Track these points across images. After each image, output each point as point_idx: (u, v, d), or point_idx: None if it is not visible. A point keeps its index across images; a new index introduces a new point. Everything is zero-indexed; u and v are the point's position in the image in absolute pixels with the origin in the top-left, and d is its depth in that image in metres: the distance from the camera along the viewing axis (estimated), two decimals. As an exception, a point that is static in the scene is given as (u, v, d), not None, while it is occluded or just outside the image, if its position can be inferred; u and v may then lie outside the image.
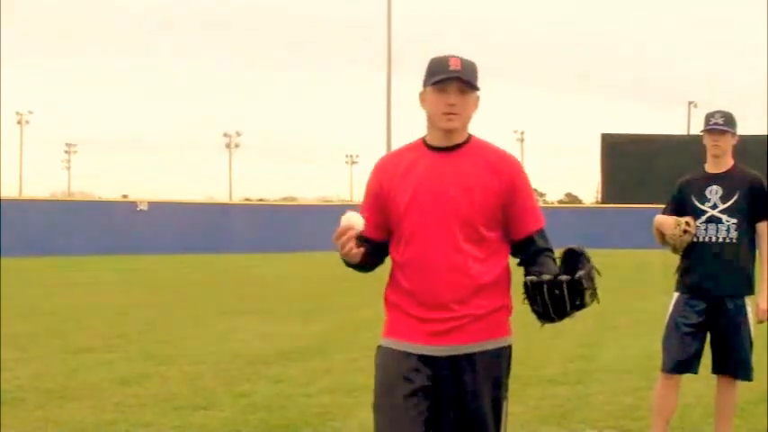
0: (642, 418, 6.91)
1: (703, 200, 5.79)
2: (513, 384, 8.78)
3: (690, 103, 79.69)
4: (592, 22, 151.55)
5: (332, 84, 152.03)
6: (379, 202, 3.62)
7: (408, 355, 3.56)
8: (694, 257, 5.78)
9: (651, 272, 25.70)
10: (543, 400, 7.62)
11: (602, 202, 56.72)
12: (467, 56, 3.56)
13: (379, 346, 3.68)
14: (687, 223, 5.74)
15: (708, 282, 5.73)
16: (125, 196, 58.05)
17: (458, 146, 3.55)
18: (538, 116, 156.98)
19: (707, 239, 5.74)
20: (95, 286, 21.25)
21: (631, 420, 6.96)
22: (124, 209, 44.71)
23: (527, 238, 3.61)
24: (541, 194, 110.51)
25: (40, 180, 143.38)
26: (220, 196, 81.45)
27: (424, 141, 3.61)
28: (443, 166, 3.53)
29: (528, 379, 8.54)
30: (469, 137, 3.59)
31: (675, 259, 6.01)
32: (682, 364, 5.80)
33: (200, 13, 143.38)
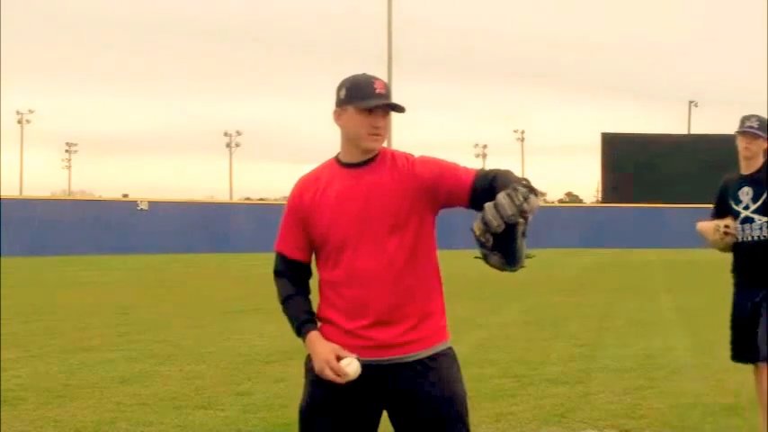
0: (642, 416, 6.92)
1: (738, 201, 6.00)
2: (514, 384, 8.80)
3: (690, 102, 79.78)
4: (592, 22, 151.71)
5: (332, 83, 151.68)
6: (300, 219, 3.64)
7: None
8: (736, 257, 6.03)
9: (651, 271, 25.72)
10: (543, 400, 7.62)
11: (603, 202, 56.76)
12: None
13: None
14: (726, 226, 5.97)
15: (747, 279, 5.93)
16: (125, 196, 58.07)
17: (369, 160, 3.59)
18: (538, 116, 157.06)
19: (743, 239, 5.96)
20: (95, 286, 21.26)
21: (632, 419, 6.96)
22: (124, 209, 44.75)
23: (472, 190, 3.50)
24: (542, 194, 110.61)
25: (41, 179, 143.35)
26: (221, 196, 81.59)
27: (337, 160, 3.65)
28: (359, 180, 3.57)
29: (528, 378, 8.56)
30: (380, 149, 3.64)
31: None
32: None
33: (201, 14, 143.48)
